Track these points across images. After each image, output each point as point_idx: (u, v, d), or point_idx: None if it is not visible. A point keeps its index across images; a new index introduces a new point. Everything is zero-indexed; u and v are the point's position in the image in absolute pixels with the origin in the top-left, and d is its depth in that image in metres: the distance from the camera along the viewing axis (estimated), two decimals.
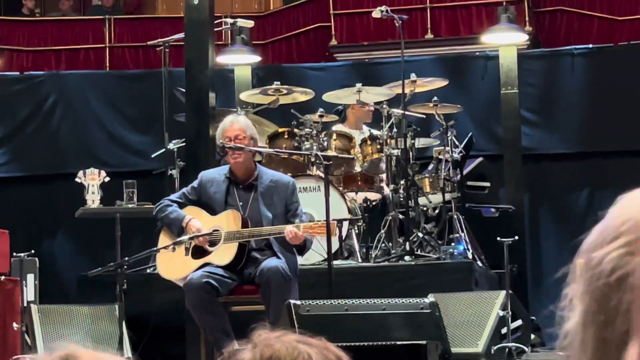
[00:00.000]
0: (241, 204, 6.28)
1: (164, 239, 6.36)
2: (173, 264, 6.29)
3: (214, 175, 6.40)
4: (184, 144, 8.12)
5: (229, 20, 8.49)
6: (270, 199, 6.27)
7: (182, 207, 6.34)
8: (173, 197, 6.46)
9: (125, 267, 6.41)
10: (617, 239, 0.84)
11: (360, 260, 7.89)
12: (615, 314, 0.81)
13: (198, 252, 6.24)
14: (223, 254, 6.17)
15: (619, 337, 0.81)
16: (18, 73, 11.67)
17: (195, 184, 6.45)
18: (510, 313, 7.03)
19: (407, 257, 7.86)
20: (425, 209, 8.48)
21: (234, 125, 6.36)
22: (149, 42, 9.82)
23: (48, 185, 10.61)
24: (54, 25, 12.62)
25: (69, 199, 9.15)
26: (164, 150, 8.65)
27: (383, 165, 8.28)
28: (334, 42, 11.48)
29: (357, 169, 8.24)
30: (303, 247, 6.15)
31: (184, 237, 6.18)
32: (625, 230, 0.84)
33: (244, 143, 6.29)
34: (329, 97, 8.78)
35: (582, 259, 0.89)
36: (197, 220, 6.22)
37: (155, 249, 6.43)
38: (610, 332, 0.82)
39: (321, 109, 8.51)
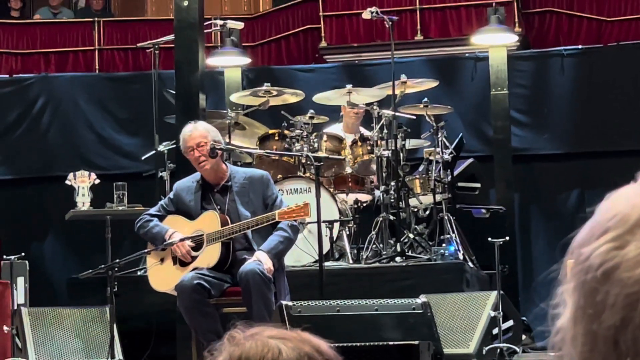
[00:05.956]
0: (218, 207, 6.27)
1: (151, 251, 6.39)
2: (164, 276, 6.31)
3: (188, 184, 6.39)
4: (174, 145, 8.10)
5: (219, 22, 8.48)
6: (247, 196, 6.25)
7: (162, 220, 6.35)
8: (152, 211, 6.45)
9: (115, 269, 6.41)
10: (605, 233, 0.85)
11: (351, 261, 7.89)
12: (603, 308, 0.82)
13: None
14: (208, 257, 6.17)
15: (606, 330, 0.81)
16: (7, 76, 11.65)
17: (171, 195, 6.47)
18: (501, 313, 7.04)
19: (398, 258, 7.86)
20: (416, 210, 8.48)
21: (194, 133, 6.30)
22: (138, 44, 9.82)
23: (38, 187, 10.58)
24: (42, 28, 12.58)
25: (59, 201, 9.13)
26: (154, 152, 8.64)
27: (374, 167, 8.28)
28: (323, 43, 11.47)
29: (348, 170, 8.24)
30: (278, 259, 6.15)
31: (174, 239, 6.18)
32: (612, 225, 0.84)
33: (207, 149, 6.25)
34: (319, 98, 8.78)
35: (572, 255, 0.90)
36: (179, 231, 6.23)
37: (145, 250, 6.44)
38: (598, 326, 0.82)
39: (311, 111, 8.52)
